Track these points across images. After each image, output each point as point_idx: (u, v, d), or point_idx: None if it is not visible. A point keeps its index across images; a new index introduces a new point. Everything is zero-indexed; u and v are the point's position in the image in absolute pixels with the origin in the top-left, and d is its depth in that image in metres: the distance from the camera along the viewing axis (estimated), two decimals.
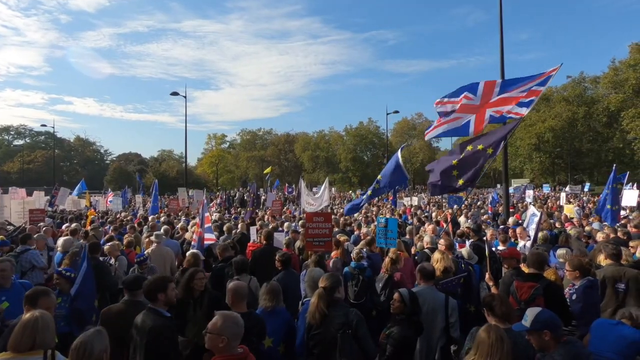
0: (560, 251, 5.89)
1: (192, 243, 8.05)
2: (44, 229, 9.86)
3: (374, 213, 16.41)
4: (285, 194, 35.96)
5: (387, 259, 5.78)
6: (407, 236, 8.68)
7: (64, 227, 11.13)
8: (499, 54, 12.92)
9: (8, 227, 11.34)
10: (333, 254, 6.69)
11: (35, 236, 7.75)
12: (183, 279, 4.61)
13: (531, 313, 3.08)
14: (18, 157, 69.92)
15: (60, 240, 7.42)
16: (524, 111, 6.61)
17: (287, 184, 47.41)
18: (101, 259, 6.67)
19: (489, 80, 6.92)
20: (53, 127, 45.19)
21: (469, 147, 6.45)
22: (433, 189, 7.13)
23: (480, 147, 6.35)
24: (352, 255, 6.17)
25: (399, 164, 8.18)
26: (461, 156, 6.45)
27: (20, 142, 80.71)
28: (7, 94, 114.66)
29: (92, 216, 14.32)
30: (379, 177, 8.73)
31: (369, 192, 9.14)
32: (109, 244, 7.22)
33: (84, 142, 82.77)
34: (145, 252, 7.07)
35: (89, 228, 10.60)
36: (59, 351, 2.77)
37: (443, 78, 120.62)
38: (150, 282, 3.68)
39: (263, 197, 22.99)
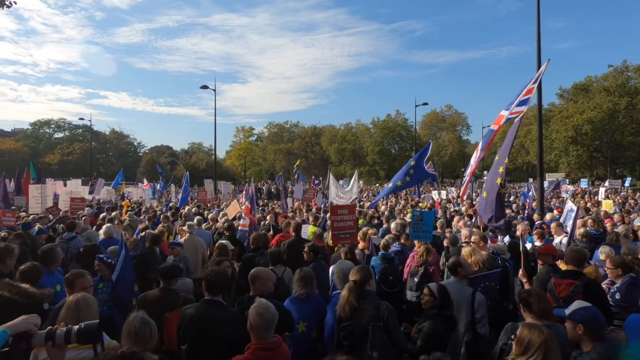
0: (603, 248, 5.62)
1: (240, 227, 8.55)
2: (83, 218, 10.32)
3: (402, 206, 16.24)
4: (312, 186, 36.08)
5: (421, 250, 5.70)
6: (439, 230, 8.55)
7: (101, 216, 11.58)
8: (535, 44, 12.41)
9: (50, 215, 11.95)
10: (360, 245, 6.69)
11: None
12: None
13: (577, 304, 3.06)
14: (58, 150, 73.29)
15: (104, 228, 7.91)
16: (524, 108, 6.90)
17: (313, 177, 47.53)
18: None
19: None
20: (90, 121, 46.70)
21: (500, 169, 6.63)
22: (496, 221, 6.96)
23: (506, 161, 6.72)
24: (380, 245, 6.16)
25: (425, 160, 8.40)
26: (498, 182, 6.61)
27: (60, 135, 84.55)
28: (47, 89, 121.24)
29: (128, 206, 14.87)
30: (411, 170, 8.68)
31: (398, 183, 9.12)
32: (143, 233, 7.49)
33: (118, 135, 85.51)
34: (179, 240, 7.42)
35: (125, 217, 11.00)
36: None
37: (473, 69, 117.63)
38: (221, 277, 3.62)
39: (290, 189, 23.21)
